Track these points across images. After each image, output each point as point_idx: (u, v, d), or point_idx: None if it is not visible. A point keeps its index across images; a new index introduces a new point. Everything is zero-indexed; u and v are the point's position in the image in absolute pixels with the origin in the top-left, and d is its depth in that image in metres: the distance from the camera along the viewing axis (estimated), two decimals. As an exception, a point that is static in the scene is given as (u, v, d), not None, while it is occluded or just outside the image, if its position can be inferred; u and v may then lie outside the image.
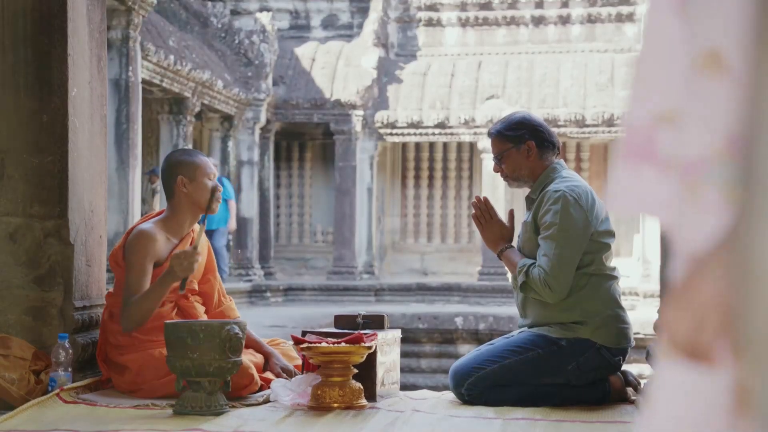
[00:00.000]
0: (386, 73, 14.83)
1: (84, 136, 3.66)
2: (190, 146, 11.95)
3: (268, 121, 14.20)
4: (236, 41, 13.86)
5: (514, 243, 3.62)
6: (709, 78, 0.89)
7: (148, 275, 3.48)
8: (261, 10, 14.86)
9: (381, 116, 14.35)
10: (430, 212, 15.49)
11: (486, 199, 3.66)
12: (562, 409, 3.25)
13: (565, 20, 15.12)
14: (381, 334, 3.44)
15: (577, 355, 3.39)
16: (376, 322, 3.60)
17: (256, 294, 13.15)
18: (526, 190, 3.64)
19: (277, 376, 3.53)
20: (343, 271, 14.31)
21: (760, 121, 0.79)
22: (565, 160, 3.65)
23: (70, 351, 3.35)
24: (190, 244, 3.56)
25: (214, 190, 3.61)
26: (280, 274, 14.69)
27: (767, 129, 0.78)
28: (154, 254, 3.51)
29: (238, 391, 3.27)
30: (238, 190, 13.73)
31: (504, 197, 13.69)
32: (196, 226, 3.64)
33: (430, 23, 15.52)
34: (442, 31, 15.52)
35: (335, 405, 3.17)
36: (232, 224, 12.31)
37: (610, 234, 3.50)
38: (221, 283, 3.84)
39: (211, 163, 3.73)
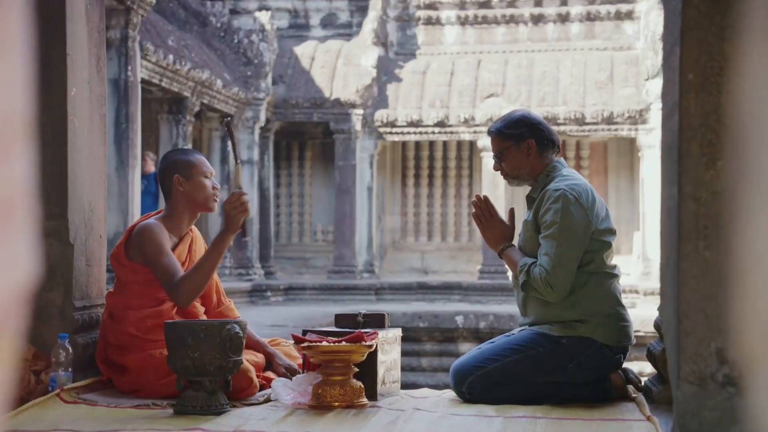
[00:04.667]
0: (386, 71, 14.82)
1: (83, 135, 3.66)
2: (189, 146, 11.96)
3: (267, 121, 14.19)
4: (235, 40, 13.86)
5: (515, 242, 3.62)
6: None
7: (174, 257, 3.49)
8: (260, 9, 14.86)
9: (381, 115, 14.35)
10: (430, 211, 15.49)
11: (486, 198, 3.65)
12: (563, 407, 3.25)
13: (564, 18, 15.11)
14: (381, 333, 3.44)
15: (578, 354, 3.39)
16: (377, 321, 3.60)
17: (256, 293, 13.15)
18: (527, 189, 3.64)
19: (281, 376, 3.53)
20: (343, 270, 14.31)
21: (755, 116, 0.79)
22: (565, 158, 3.65)
23: (71, 351, 3.35)
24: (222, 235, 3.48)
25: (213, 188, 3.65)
26: (280, 274, 14.69)
27: (759, 123, 0.77)
28: (167, 239, 3.52)
29: (237, 394, 3.27)
30: (238, 190, 13.72)
31: (504, 196, 13.68)
32: (237, 168, 3.62)
33: (429, 22, 15.51)
34: (441, 30, 15.51)
35: (336, 404, 3.17)
36: None
37: (611, 232, 3.49)
38: (220, 284, 3.84)
39: (207, 162, 3.73)
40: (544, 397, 3.35)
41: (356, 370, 3.25)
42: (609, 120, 13.69)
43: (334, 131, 14.40)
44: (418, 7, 15.47)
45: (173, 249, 3.58)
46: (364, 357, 3.26)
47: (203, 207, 3.66)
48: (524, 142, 3.53)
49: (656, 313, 3.39)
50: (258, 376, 3.46)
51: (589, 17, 15.02)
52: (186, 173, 3.61)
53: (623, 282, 4.23)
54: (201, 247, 3.74)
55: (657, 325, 3.37)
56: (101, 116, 3.86)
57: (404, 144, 15.26)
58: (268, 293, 13.35)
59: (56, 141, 3.53)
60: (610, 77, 14.12)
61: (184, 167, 3.62)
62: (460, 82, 14.48)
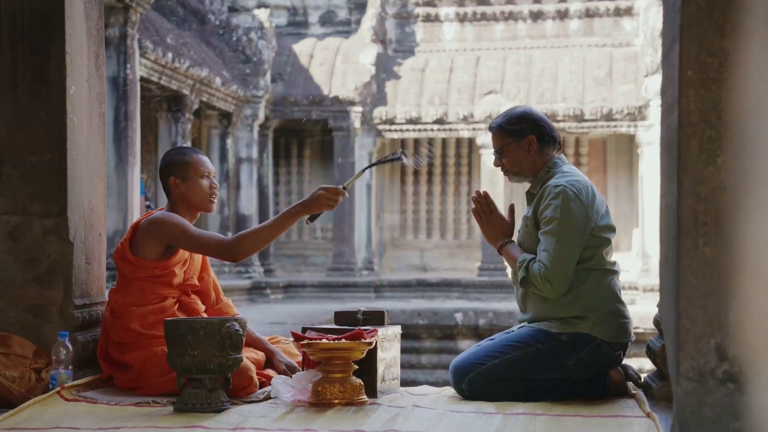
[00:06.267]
0: (384, 69, 14.82)
1: (82, 134, 3.66)
2: (188, 144, 11.95)
3: (266, 118, 14.19)
4: (234, 38, 13.85)
5: (515, 238, 3.62)
6: None
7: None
8: (259, 6, 14.85)
9: (379, 112, 14.35)
10: (429, 208, 15.49)
11: (486, 194, 3.65)
12: (562, 403, 3.25)
13: (563, 15, 15.11)
14: (381, 330, 3.44)
15: (577, 350, 3.39)
16: (376, 319, 3.60)
17: (256, 291, 13.15)
18: (526, 185, 3.64)
19: (282, 373, 3.53)
20: (342, 267, 14.31)
21: (754, 112, 0.79)
22: (564, 155, 3.65)
23: (71, 349, 3.35)
24: (344, 187, 3.53)
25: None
26: (279, 271, 14.69)
27: (759, 120, 0.78)
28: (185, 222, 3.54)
29: (238, 392, 3.27)
30: (237, 188, 13.72)
31: (503, 192, 13.69)
32: (359, 173, 3.62)
33: (428, 19, 15.50)
34: (440, 27, 15.51)
35: (336, 401, 3.17)
36: None
37: (611, 229, 3.49)
38: (217, 282, 3.84)
39: (206, 161, 3.71)
40: (544, 393, 3.35)
41: (356, 367, 3.26)
42: (608, 117, 13.69)
43: (332, 129, 14.40)
44: (417, 4, 15.46)
45: (176, 249, 3.58)
46: (364, 354, 3.26)
47: (201, 208, 3.66)
48: (525, 138, 3.53)
49: (656, 310, 3.40)
50: (258, 374, 3.46)
51: (588, 14, 15.02)
52: (182, 175, 3.60)
53: (622, 279, 4.23)
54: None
55: (656, 322, 3.37)
56: (100, 114, 3.86)
57: (403, 141, 15.26)
58: (268, 291, 13.35)
59: (55, 139, 3.53)
60: (609, 74, 14.12)
61: (181, 168, 3.61)
62: (458, 79, 14.48)
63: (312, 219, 3.51)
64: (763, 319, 2.10)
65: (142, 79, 10.49)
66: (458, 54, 15.10)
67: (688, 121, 2.49)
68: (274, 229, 3.48)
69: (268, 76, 13.88)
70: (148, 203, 11.17)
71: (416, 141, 15.19)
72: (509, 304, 12.17)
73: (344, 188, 3.48)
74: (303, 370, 3.41)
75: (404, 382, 3.76)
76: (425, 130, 14.35)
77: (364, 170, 3.64)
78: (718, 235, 2.42)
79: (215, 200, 3.71)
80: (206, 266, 3.78)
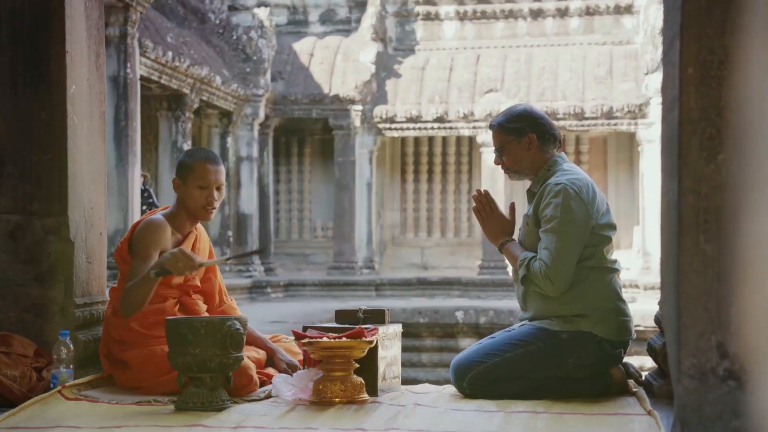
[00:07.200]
0: (384, 67, 14.81)
1: (83, 133, 3.65)
2: (188, 143, 11.96)
3: (266, 117, 14.19)
4: (234, 37, 13.85)
5: (515, 236, 3.62)
6: None
7: (152, 263, 3.46)
8: (259, 5, 14.84)
9: (380, 111, 14.34)
10: (429, 206, 15.49)
11: (487, 192, 3.65)
12: (563, 401, 3.25)
13: (563, 13, 15.10)
14: (382, 329, 3.45)
15: (578, 348, 3.39)
16: (377, 317, 3.60)
17: (256, 290, 13.15)
18: (526, 184, 3.64)
19: (283, 372, 3.53)
20: (343, 266, 14.31)
21: (755, 110, 0.79)
22: (564, 153, 3.65)
23: (72, 348, 3.35)
24: (197, 252, 3.50)
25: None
26: (280, 270, 14.69)
27: (759, 117, 0.77)
28: (160, 243, 3.49)
29: (238, 390, 3.27)
30: (237, 187, 13.73)
31: (504, 191, 13.69)
32: (223, 259, 3.67)
33: (428, 17, 15.50)
34: (440, 25, 15.50)
35: (337, 400, 3.17)
36: None
37: (611, 227, 3.49)
38: (222, 284, 3.83)
39: (213, 171, 3.57)
40: (545, 391, 3.35)
41: (357, 365, 3.26)
42: (608, 115, 13.68)
43: (333, 127, 14.39)
44: (417, 3, 15.45)
45: (177, 246, 3.57)
46: (365, 353, 3.26)
47: (196, 215, 3.60)
48: (525, 136, 3.53)
49: (656, 308, 3.40)
50: (259, 373, 3.46)
51: (588, 12, 15.01)
52: (182, 178, 3.58)
53: (623, 277, 4.23)
54: (205, 245, 3.73)
55: (657, 320, 3.37)
56: (100, 113, 3.86)
57: (403, 140, 15.26)
58: (268, 290, 13.36)
59: (55, 138, 3.53)
60: (609, 72, 14.11)
61: (183, 171, 3.59)
62: (459, 78, 14.47)
63: (158, 274, 3.41)
64: (764, 317, 2.10)
65: (142, 78, 10.49)
66: (458, 52, 15.09)
67: (689, 118, 2.48)
68: (150, 284, 3.39)
69: (268, 75, 13.88)
70: (151, 200, 11.18)
71: (416, 139, 15.19)
72: (510, 303, 12.17)
73: (200, 265, 3.42)
74: (304, 368, 3.41)
75: (405, 381, 3.77)
76: (425, 128, 14.34)
77: (227, 259, 3.76)
78: (718, 233, 2.42)
79: (213, 211, 3.60)
80: (214, 267, 3.77)
